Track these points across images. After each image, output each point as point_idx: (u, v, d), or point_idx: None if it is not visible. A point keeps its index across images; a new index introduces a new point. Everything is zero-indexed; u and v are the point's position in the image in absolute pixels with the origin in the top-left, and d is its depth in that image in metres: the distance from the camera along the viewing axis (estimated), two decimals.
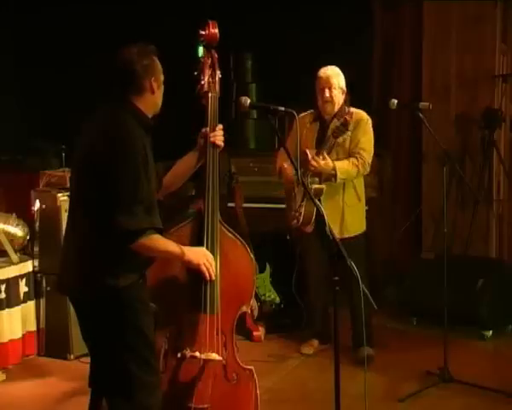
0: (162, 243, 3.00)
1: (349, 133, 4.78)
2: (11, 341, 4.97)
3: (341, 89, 4.94)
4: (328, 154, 4.81)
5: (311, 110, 5.08)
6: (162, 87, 3.11)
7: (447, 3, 6.80)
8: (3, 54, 6.36)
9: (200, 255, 3.15)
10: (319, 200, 4.66)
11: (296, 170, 3.18)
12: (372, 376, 4.54)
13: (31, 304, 5.18)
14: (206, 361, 3.21)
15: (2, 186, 6.02)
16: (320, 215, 4.62)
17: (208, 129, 3.32)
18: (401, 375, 4.82)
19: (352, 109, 4.97)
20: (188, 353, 3.18)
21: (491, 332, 5.53)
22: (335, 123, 4.87)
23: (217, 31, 3.25)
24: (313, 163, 4.73)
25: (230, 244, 3.36)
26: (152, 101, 3.07)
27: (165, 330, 3.23)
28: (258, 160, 6.48)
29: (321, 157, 4.74)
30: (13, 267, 5.06)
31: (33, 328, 5.21)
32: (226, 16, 6.98)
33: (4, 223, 5.27)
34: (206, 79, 3.24)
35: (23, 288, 5.09)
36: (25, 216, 5.36)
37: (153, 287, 3.10)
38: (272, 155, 5.31)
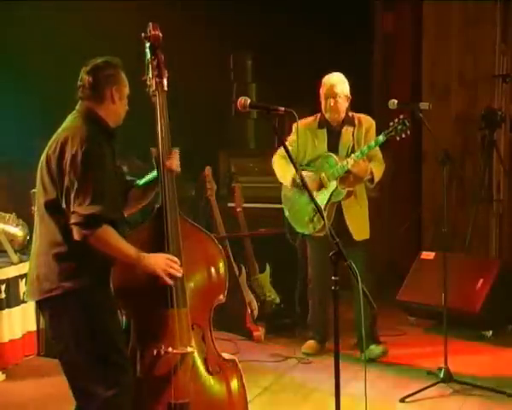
0: (118, 239, 3.01)
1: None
2: (11, 341, 4.96)
3: (346, 96, 4.96)
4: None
5: (315, 115, 5.08)
6: (125, 100, 3.21)
7: (447, 3, 6.81)
8: (3, 53, 6.35)
9: (159, 261, 3.12)
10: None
11: (296, 170, 3.17)
12: (372, 376, 4.54)
13: (31, 304, 5.17)
14: (181, 356, 3.20)
15: (2, 186, 6.02)
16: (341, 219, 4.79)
17: (161, 146, 3.28)
18: (401, 375, 4.82)
19: (356, 114, 5.03)
20: (162, 350, 3.17)
21: (491, 332, 5.53)
22: (348, 129, 4.95)
23: (158, 32, 3.31)
24: (356, 166, 4.78)
25: (194, 236, 3.34)
26: (112, 110, 3.17)
27: (137, 330, 3.22)
28: (258, 160, 6.48)
29: (361, 161, 4.80)
30: (13, 267, 5.06)
31: (33, 328, 5.20)
32: (226, 16, 7.04)
33: (4, 223, 5.27)
34: (153, 79, 3.28)
35: (23, 288, 5.07)
36: (25, 216, 5.35)
37: (119, 288, 3.10)
38: (272, 155, 5.31)
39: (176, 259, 3.17)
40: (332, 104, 4.92)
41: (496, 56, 6.63)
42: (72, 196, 2.93)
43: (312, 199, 3.12)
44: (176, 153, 3.34)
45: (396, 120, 4.66)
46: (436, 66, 6.89)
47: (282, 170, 5.06)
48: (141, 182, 3.38)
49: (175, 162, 3.31)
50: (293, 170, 4.92)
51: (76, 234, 2.93)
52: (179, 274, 3.17)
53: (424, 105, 4.71)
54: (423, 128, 6.15)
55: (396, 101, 4.73)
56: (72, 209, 2.93)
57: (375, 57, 7.13)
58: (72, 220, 2.93)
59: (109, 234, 2.98)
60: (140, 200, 3.38)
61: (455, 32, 6.78)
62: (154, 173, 3.32)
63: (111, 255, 3.03)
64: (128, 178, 3.38)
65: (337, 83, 4.93)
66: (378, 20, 7.09)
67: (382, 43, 7.12)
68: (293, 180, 4.94)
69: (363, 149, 4.79)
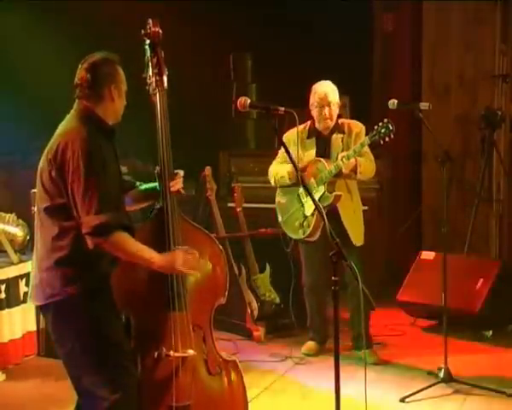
0: (132, 243, 3.00)
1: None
2: (11, 341, 4.96)
3: (337, 103, 5.01)
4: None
5: (305, 123, 5.08)
6: (123, 97, 3.16)
7: (447, 3, 6.82)
8: (3, 52, 6.36)
9: (173, 260, 3.10)
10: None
11: (297, 171, 3.18)
12: (372, 376, 4.54)
13: (31, 304, 5.17)
14: (183, 359, 3.19)
15: (2, 186, 6.02)
16: (339, 224, 4.78)
17: (161, 147, 3.24)
18: (401, 375, 4.82)
19: (345, 120, 5.07)
20: (163, 352, 3.17)
21: (491, 332, 5.54)
22: (338, 136, 4.96)
23: (158, 28, 3.26)
24: (344, 162, 4.79)
25: (196, 237, 3.33)
26: (111, 108, 3.12)
27: (138, 332, 3.21)
28: (258, 160, 6.48)
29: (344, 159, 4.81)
30: (13, 267, 5.06)
31: (33, 328, 5.20)
32: (226, 16, 7.04)
33: (4, 223, 5.27)
34: (153, 77, 3.25)
35: (23, 288, 5.08)
36: (25, 216, 5.35)
37: (120, 291, 3.09)
38: (272, 155, 5.31)
39: (193, 250, 3.15)
40: (327, 113, 4.93)
41: (496, 56, 6.64)
42: (79, 205, 2.90)
43: (315, 202, 3.11)
44: (179, 176, 3.32)
45: (380, 124, 4.67)
46: (436, 66, 6.90)
47: (278, 169, 5.10)
48: (142, 187, 3.35)
49: (178, 186, 3.30)
50: (287, 167, 4.97)
51: (89, 243, 2.91)
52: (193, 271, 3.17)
53: (424, 105, 4.71)
54: (423, 128, 6.15)
55: (396, 101, 4.73)
56: (81, 219, 2.91)
57: (375, 57, 7.13)
58: (83, 231, 2.90)
59: (122, 239, 2.96)
60: (139, 203, 3.37)
61: (455, 32, 6.78)
62: (156, 185, 3.29)
63: (126, 259, 3.02)
64: (126, 178, 3.36)
65: (330, 91, 4.95)
66: (378, 20, 7.10)
67: (382, 43, 7.12)
68: (290, 172, 4.97)
69: (349, 153, 4.80)
